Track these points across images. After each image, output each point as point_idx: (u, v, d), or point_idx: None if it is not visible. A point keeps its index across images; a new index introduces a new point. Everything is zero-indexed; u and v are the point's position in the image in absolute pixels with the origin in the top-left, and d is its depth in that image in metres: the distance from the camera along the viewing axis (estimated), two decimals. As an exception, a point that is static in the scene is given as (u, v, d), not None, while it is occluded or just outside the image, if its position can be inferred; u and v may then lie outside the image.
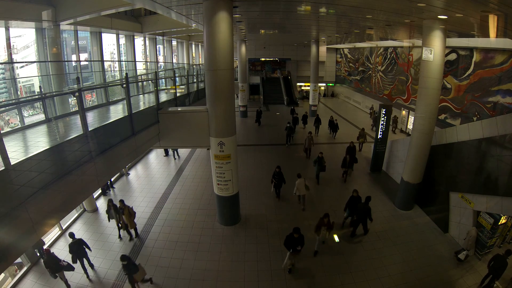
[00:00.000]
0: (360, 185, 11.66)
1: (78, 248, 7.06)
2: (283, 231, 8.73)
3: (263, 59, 33.20)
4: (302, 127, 19.76)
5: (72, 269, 6.85)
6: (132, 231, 8.53)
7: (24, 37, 8.97)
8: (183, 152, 15.65)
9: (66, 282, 6.79)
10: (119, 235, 8.55)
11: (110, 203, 8.43)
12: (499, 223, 7.25)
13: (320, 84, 30.84)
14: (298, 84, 33.62)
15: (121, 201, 8.38)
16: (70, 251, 6.99)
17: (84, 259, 7.20)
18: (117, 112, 8.44)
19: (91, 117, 7.49)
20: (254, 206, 10.11)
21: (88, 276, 7.09)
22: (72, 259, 6.97)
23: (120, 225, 8.42)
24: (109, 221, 8.63)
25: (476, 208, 7.55)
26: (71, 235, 7.24)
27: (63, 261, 6.73)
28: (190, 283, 6.84)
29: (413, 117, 10.95)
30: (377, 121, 20.39)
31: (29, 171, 3.95)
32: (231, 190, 8.63)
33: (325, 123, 18.58)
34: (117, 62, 14.44)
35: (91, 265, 7.38)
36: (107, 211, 8.50)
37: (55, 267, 6.57)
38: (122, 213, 8.15)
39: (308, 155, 14.32)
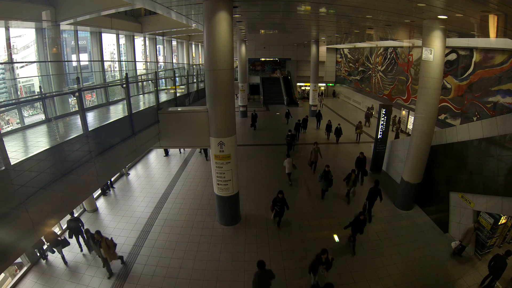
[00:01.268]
0: (360, 186, 11.66)
1: (75, 225, 7.89)
2: (283, 231, 8.76)
3: (263, 59, 33.21)
4: (303, 132, 18.80)
5: (68, 244, 7.71)
6: (118, 261, 7.35)
7: (24, 37, 8.97)
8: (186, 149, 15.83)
9: (63, 257, 7.56)
10: (103, 264, 7.27)
11: (87, 234, 7.39)
12: (499, 223, 7.25)
13: (320, 84, 30.86)
14: (298, 84, 33.62)
15: (97, 232, 7.09)
16: (67, 227, 7.89)
17: (80, 237, 7.99)
18: (117, 112, 8.43)
19: (91, 117, 7.49)
20: (254, 206, 10.12)
21: (82, 250, 7.93)
22: (68, 235, 7.90)
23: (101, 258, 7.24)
24: (90, 252, 7.67)
25: (476, 208, 7.55)
26: (70, 213, 7.95)
27: (61, 236, 7.65)
28: (190, 283, 6.84)
29: (413, 117, 10.95)
30: (369, 117, 21.09)
31: (29, 171, 3.95)
32: (231, 190, 8.63)
33: (324, 123, 18.61)
34: (117, 62, 14.44)
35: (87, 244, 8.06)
36: (85, 242, 7.67)
37: (54, 241, 7.32)
38: (99, 245, 6.92)
39: (314, 170, 12.80)
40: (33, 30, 8.92)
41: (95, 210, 10.01)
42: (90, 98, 10.58)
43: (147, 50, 17.31)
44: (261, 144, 16.97)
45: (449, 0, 5.96)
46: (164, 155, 15.35)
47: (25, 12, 7.94)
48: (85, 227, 7.97)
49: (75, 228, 7.95)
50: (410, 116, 18.45)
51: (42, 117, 6.65)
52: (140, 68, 16.50)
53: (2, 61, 8.36)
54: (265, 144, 16.91)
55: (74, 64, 11.47)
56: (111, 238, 7.25)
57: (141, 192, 11.36)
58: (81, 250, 7.97)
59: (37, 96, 7.10)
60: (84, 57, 12.26)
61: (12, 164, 3.64)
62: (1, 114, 6.57)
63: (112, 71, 14.27)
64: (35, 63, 9.34)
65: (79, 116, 5.34)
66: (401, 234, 8.58)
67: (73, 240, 7.97)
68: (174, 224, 9.14)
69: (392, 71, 21.69)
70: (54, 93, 7.73)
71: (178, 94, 10.94)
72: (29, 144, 5.44)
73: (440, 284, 6.76)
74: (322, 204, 10.32)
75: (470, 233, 7.18)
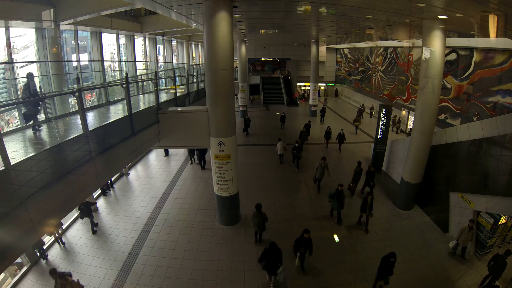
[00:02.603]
0: (360, 185, 11.65)
1: (85, 207, 8.73)
2: (283, 231, 8.75)
3: (263, 59, 33.20)
4: (306, 140, 16.85)
5: (62, 224, 8.61)
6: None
7: (24, 37, 8.97)
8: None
9: (61, 240, 8.35)
10: None
11: (53, 275, 6.10)
12: (499, 223, 7.26)
13: (320, 84, 30.86)
14: (298, 84, 33.62)
15: (61, 275, 6.00)
16: (78, 209, 8.75)
17: (89, 219, 8.93)
18: (117, 112, 8.43)
19: (91, 117, 7.49)
20: (254, 206, 10.07)
21: (94, 232, 8.88)
22: (79, 216, 8.96)
23: None
24: None
25: (476, 208, 7.55)
26: None
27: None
28: (190, 283, 6.84)
29: (413, 117, 10.94)
30: (361, 113, 21.79)
31: (29, 171, 3.94)
32: (231, 190, 8.63)
33: (326, 123, 18.54)
34: (117, 62, 14.43)
35: (95, 225, 9.05)
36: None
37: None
38: None
39: (319, 188, 11.25)
40: (33, 30, 8.91)
41: (95, 210, 10.00)
42: (90, 98, 10.58)
43: (147, 50, 17.31)
44: (262, 144, 16.94)
45: (449, 0, 5.96)
46: (164, 155, 15.34)
47: (25, 12, 7.93)
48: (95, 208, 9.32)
49: (84, 209, 8.73)
50: (410, 116, 18.45)
51: (42, 117, 6.64)
52: (140, 68, 16.49)
53: (2, 61, 8.35)
54: (265, 144, 16.88)
55: (74, 64, 11.47)
56: (78, 280, 6.24)
57: (141, 192, 11.36)
58: (93, 231, 8.87)
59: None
60: (84, 57, 12.26)
61: (12, 164, 3.64)
62: (1, 114, 6.56)
63: (112, 71, 14.26)
64: (35, 63, 9.33)
65: (79, 116, 5.33)
66: (401, 234, 8.58)
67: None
68: (174, 224, 9.14)
69: (392, 71, 21.69)
70: (54, 93, 7.73)
71: (178, 94, 10.94)
72: (29, 144, 5.43)
73: (440, 284, 6.77)
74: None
75: (465, 232, 7.17)
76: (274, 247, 6.53)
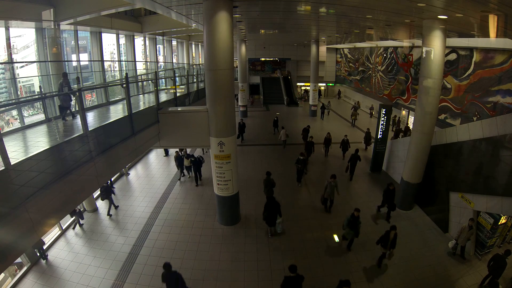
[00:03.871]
0: (360, 185, 11.68)
1: (105, 189, 9.59)
2: (283, 231, 8.75)
3: (263, 59, 33.20)
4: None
5: (82, 218, 9.23)
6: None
7: (24, 37, 8.97)
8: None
9: (74, 227, 8.99)
10: None
11: None
12: (499, 223, 7.25)
13: (320, 84, 30.85)
14: (298, 84, 33.63)
15: None
16: (99, 191, 9.62)
17: (110, 199, 9.80)
18: (117, 112, 8.43)
19: (91, 117, 7.49)
20: (254, 206, 10.08)
21: (109, 213, 9.78)
22: (101, 197, 9.74)
23: None
24: None
25: (476, 208, 7.55)
26: None
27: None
28: (190, 283, 6.81)
29: (413, 117, 10.94)
30: (356, 109, 21.67)
31: (29, 171, 3.95)
32: (231, 190, 8.63)
33: (328, 125, 18.45)
34: (117, 62, 14.43)
35: (116, 207, 10.06)
36: None
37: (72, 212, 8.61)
38: None
39: (329, 209, 9.78)
40: (33, 30, 8.91)
41: (95, 210, 10.01)
42: (90, 98, 10.58)
43: (147, 50, 17.30)
44: (262, 144, 16.94)
45: (449, 0, 5.96)
46: (164, 155, 15.34)
47: (25, 12, 7.93)
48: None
49: (104, 192, 9.52)
50: (410, 116, 18.45)
51: (42, 117, 6.65)
52: (140, 68, 16.49)
53: (2, 61, 8.35)
54: (265, 144, 16.88)
55: (74, 64, 11.47)
56: None
57: (141, 192, 11.36)
58: (108, 213, 9.75)
59: (37, 96, 7.10)
60: (84, 57, 12.26)
61: (12, 164, 3.64)
62: (1, 114, 6.56)
63: (112, 71, 14.26)
64: (35, 63, 9.33)
65: (79, 116, 5.33)
66: (401, 234, 8.53)
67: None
68: (174, 224, 9.14)
69: (392, 71, 21.68)
70: (54, 93, 7.73)
71: (178, 94, 10.94)
72: (29, 144, 5.43)
73: (440, 284, 6.76)
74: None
75: (465, 231, 7.17)
76: (272, 200, 7.61)
